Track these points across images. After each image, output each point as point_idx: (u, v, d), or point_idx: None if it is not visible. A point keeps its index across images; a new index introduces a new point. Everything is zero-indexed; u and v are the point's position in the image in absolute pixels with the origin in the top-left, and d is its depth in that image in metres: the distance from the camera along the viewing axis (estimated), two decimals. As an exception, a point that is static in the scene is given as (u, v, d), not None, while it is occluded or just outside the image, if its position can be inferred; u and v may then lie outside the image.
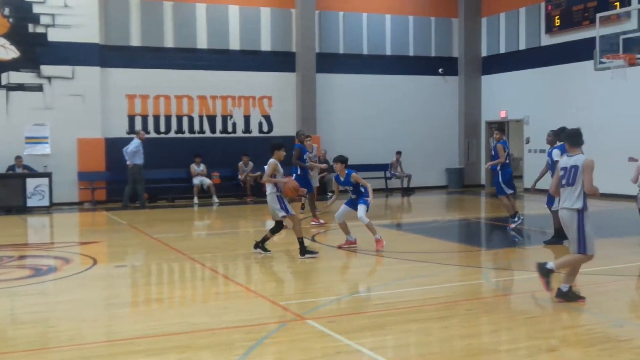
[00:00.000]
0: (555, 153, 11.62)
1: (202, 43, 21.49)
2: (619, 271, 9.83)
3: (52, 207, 18.59)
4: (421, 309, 7.56)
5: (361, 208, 11.15)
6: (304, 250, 10.66)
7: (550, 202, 11.59)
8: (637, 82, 17.63)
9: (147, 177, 19.31)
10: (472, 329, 6.78)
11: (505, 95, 23.85)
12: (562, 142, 13.18)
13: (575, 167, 7.46)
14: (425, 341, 6.40)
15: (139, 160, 18.93)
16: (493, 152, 14.29)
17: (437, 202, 21.02)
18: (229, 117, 21.93)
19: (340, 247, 11.46)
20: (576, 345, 6.08)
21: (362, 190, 11.25)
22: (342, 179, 11.35)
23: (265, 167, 11.07)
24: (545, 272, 7.66)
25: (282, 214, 10.81)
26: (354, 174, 11.23)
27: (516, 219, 13.83)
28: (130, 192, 18.97)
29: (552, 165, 11.70)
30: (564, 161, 7.64)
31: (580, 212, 7.43)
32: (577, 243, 7.48)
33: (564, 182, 7.57)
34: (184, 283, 9.56)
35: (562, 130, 13.41)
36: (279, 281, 9.52)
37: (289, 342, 6.32)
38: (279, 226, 11.08)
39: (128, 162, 18.87)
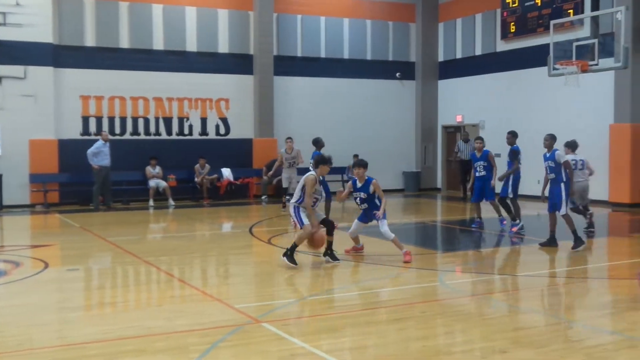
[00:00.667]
0: (559, 154, 11.63)
1: (158, 44, 21.27)
2: (571, 273, 10.01)
3: (3, 209, 18.19)
4: (377, 311, 7.58)
5: (383, 223, 10.62)
6: (289, 254, 10.04)
7: (552, 209, 11.66)
8: (589, 89, 18.00)
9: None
10: (427, 330, 6.82)
11: (461, 99, 24.11)
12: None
13: None
14: (381, 343, 6.42)
15: (101, 161, 18.76)
16: (483, 163, 14.21)
17: (394, 205, 21.10)
18: (185, 119, 21.74)
19: (347, 252, 11.06)
20: (529, 347, 6.16)
21: (377, 202, 10.71)
22: (359, 184, 10.70)
23: (302, 180, 10.32)
24: None
25: (292, 220, 10.57)
26: (374, 181, 10.64)
27: (517, 222, 13.64)
28: (100, 192, 19.02)
29: (554, 168, 11.59)
30: None
31: None
32: None
33: None
34: (138, 286, 9.44)
35: (513, 133, 13.75)
36: (235, 284, 9.45)
37: (244, 345, 6.28)
38: (328, 225, 10.45)
39: (93, 165, 18.77)
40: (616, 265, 10.81)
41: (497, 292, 8.73)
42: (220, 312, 7.51)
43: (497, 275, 9.90)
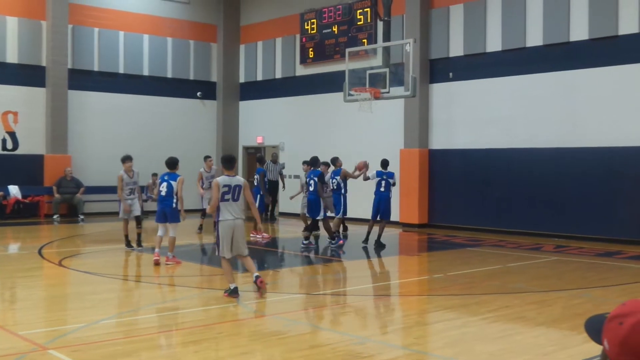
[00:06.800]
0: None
1: (-63, 50, 19.56)
2: (363, 291, 10.41)
3: None
4: (172, 333, 7.42)
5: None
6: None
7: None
8: (382, 115, 18.93)
9: None
10: (224, 352, 6.77)
11: (262, 121, 24.44)
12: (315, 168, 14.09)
13: (239, 186, 9.21)
14: (176, 367, 6.27)
15: None
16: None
17: (193, 226, 20.88)
18: (-33, 132, 20.13)
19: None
20: (323, 364, 6.30)
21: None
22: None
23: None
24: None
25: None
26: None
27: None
28: None
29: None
30: (226, 180, 9.24)
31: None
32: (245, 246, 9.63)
33: (227, 197, 9.12)
34: None
35: (315, 159, 14.29)
36: (20, 309, 8.82)
37: (28, 375, 5.85)
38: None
39: None
40: (405, 283, 11.41)
41: (293, 312, 8.86)
42: (2, 340, 6.96)
43: (294, 295, 10.06)
